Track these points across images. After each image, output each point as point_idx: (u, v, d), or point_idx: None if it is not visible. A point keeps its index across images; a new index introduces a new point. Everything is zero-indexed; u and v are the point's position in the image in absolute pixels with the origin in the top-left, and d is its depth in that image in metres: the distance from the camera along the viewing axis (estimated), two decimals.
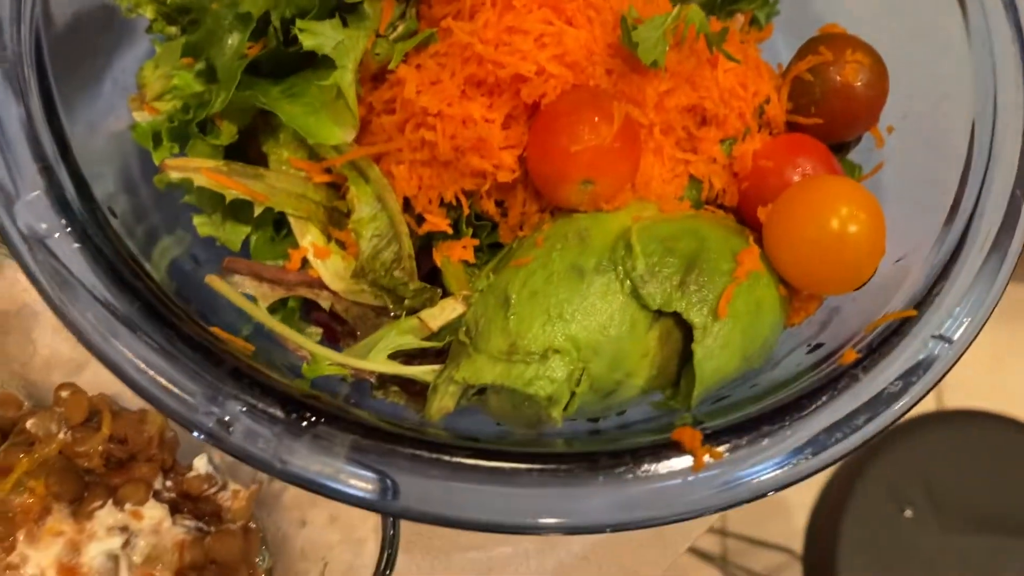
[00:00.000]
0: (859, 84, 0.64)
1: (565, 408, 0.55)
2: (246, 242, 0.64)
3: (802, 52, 0.66)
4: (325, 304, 0.62)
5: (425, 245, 0.64)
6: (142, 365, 0.46)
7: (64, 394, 0.60)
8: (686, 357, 0.57)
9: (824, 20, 0.74)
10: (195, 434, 0.44)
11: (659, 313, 0.56)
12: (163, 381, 0.46)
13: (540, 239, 0.58)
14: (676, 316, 0.56)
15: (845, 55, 0.64)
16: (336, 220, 0.64)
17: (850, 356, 0.53)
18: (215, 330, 0.49)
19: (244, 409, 0.45)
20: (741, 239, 0.59)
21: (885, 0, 0.73)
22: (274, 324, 0.54)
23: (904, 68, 0.67)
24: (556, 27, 0.58)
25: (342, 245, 0.63)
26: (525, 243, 0.59)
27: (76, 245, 0.47)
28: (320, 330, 0.65)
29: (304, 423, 0.46)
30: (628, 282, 0.55)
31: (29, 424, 0.58)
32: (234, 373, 0.46)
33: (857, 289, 0.59)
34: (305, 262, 0.62)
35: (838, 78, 0.64)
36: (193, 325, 0.49)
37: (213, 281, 0.52)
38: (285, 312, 0.62)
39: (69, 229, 0.48)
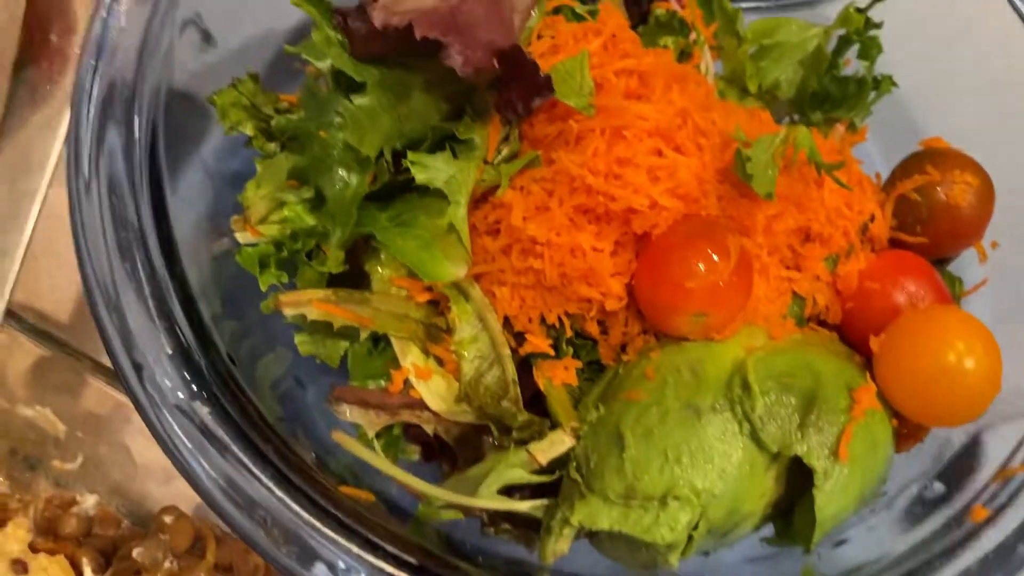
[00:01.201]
0: (966, 205, 0.63)
1: (683, 552, 0.54)
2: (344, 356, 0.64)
3: (907, 168, 0.65)
4: (428, 428, 0.62)
5: (523, 363, 0.64)
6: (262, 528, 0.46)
7: (168, 519, 0.60)
8: (801, 492, 0.57)
9: (915, 121, 0.73)
10: None
11: (777, 454, 0.55)
12: (278, 534, 0.46)
13: (651, 370, 0.57)
14: (794, 458, 0.55)
15: (953, 175, 0.63)
16: (435, 336, 0.64)
17: (980, 514, 0.52)
18: (345, 490, 0.49)
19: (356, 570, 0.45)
20: (854, 371, 0.58)
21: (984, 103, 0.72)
22: (393, 471, 0.54)
23: (1006, 178, 0.66)
24: (668, 159, 0.58)
25: (440, 362, 0.63)
26: (634, 372, 0.59)
27: (207, 409, 0.47)
28: (418, 448, 0.65)
29: None
30: (747, 423, 0.55)
31: (135, 553, 0.58)
32: (346, 530, 0.46)
33: (970, 423, 0.58)
34: (407, 383, 0.62)
35: (945, 198, 0.63)
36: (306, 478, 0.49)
37: (341, 439, 0.52)
38: (390, 438, 0.62)
39: (195, 388, 0.48)
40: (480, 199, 0.62)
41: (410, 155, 0.57)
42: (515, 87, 0.56)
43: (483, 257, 0.62)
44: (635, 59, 0.62)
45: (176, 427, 0.46)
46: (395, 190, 0.61)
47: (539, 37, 0.64)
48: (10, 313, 0.59)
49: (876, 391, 0.57)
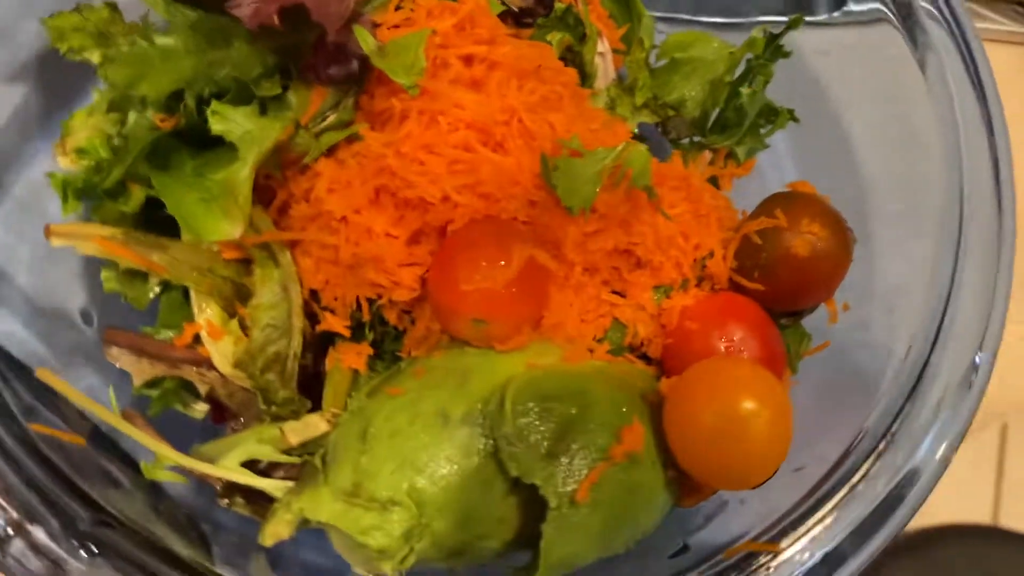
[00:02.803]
0: (808, 257, 0.58)
1: (402, 562, 0.51)
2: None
3: (760, 209, 0.61)
4: (202, 389, 0.60)
5: (328, 342, 0.62)
6: None
7: None
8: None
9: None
10: None
11: (517, 479, 0.52)
12: None
13: (421, 370, 0.55)
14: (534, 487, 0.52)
15: (801, 223, 0.58)
16: (244, 297, 0.62)
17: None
18: (34, 427, 0.47)
19: (19, 523, 0.43)
20: (632, 410, 0.54)
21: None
22: (113, 419, 0.52)
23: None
24: (473, 155, 0.54)
25: (243, 326, 0.61)
26: (408, 370, 0.56)
27: None
28: (206, 407, 0.63)
29: (84, 552, 0.43)
30: (492, 441, 0.51)
31: None
32: (29, 482, 0.45)
33: (752, 488, 0.54)
34: (197, 339, 0.61)
35: (788, 247, 0.58)
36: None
37: (44, 375, 0.50)
38: (163, 390, 0.60)
39: None
40: (305, 165, 0.60)
41: (213, 104, 0.55)
42: (318, 52, 0.53)
43: (298, 224, 0.59)
44: (487, 46, 0.59)
45: None
46: (211, 140, 0.59)
47: (397, 8, 0.61)
48: None
49: (648, 435, 0.53)
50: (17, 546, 0.42)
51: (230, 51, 0.56)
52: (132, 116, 0.54)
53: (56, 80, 0.67)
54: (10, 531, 0.42)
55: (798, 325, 0.64)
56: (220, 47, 0.56)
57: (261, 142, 0.55)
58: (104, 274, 0.62)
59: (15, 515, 0.43)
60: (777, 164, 0.77)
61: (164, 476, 0.53)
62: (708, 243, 0.60)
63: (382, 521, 0.51)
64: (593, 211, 0.56)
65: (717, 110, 0.72)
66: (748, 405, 0.51)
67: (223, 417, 0.63)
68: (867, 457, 0.51)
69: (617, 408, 0.54)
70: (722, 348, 0.58)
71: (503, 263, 0.53)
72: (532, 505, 0.53)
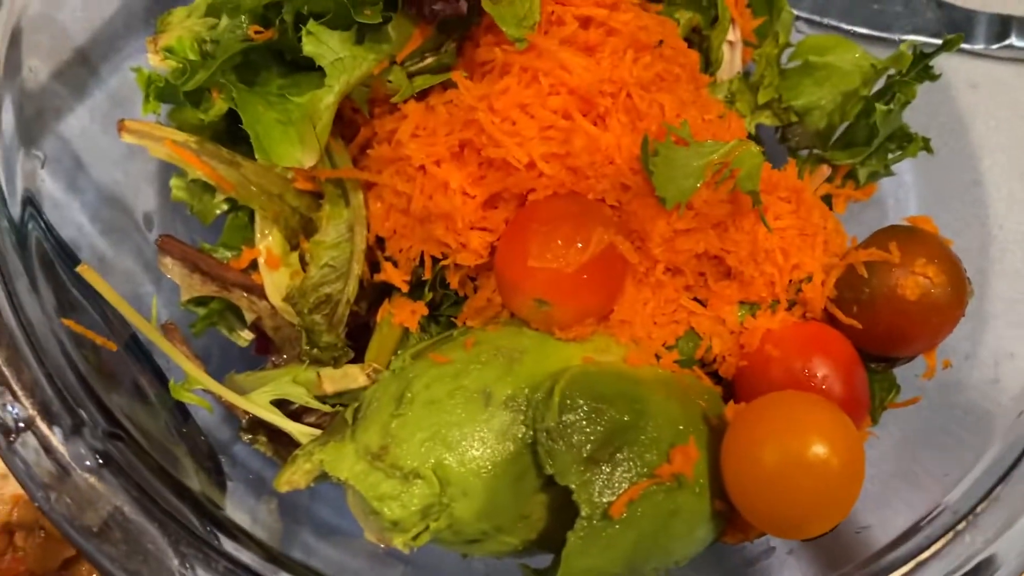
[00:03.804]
0: (917, 301, 0.52)
1: (415, 538, 0.48)
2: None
3: (872, 239, 0.55)
4: (249, 316, 0.58)
5: (384, 293, 0.59)
6: None
7: None
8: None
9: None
10: None
11: (552, 480, 0.48)
12: None
13: (471, 341, 0.51)
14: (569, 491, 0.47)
15: (915, 263, 0.52)
16: (310, 232, 0.59)
17: None
18: (66, 322, 0.46)
19: (30, 417, 0.41)
20: (689, 430, 0.50)
21: None
22: (148, 328, 0.50)
23: None
24: (570, 123, 0.50)
25: (304, 261, 0.59)
26: (458, 339, 0.52)
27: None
28: (251, 336, 0.61)
29: (88, 462, 0.41)
30: (531, 432, 0.48)
31: None
32: (48, 377, 0.43)
33: (803, 540, 0.49)
34: (254, 265, 0.58)
35: (896, 286, 0.52)
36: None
37: (85, 272, 0.48)
38: (209, 310, 0.58)
39: None
40: (393, 105, 0.57)
41: (310, 24, 0.52)
42: None
43: (376, 166, 0.56)
44: (607, 10, 0.55)
45: None
46: (307, 61, 0.56)
47: None
48: None
49: (702, 460, 0.49)
50: (25, 442, 0.40)
51: None
52: (225, 21, 0.51)
53: None
54: (21, 425, 0.40)
55: (889, 373, 0.58)
56: None
57: (351, 71, 0.52)
58: (174, 181, 0.60)
59: (30, 411, 0.41)
60: (899, 195, 0.71)
61: (190, 399, 0.51)
62: (808, 265, 0.55)
63: (401, 491, 0.47)
64: (688, 207, 0.52)
65: (844, 125, 0.66)
66: (818, 449, 0.46)
67: (267, 349, 0.61)
68: (943, 534, 0.45)
69: (673, 424, 0.50)
70: (802, 382, 0.53)
71: (579, 244, 0.49)
72: (561, 508, 0.49)
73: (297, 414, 0.55)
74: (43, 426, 0.41)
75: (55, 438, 0.41)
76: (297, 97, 0.52)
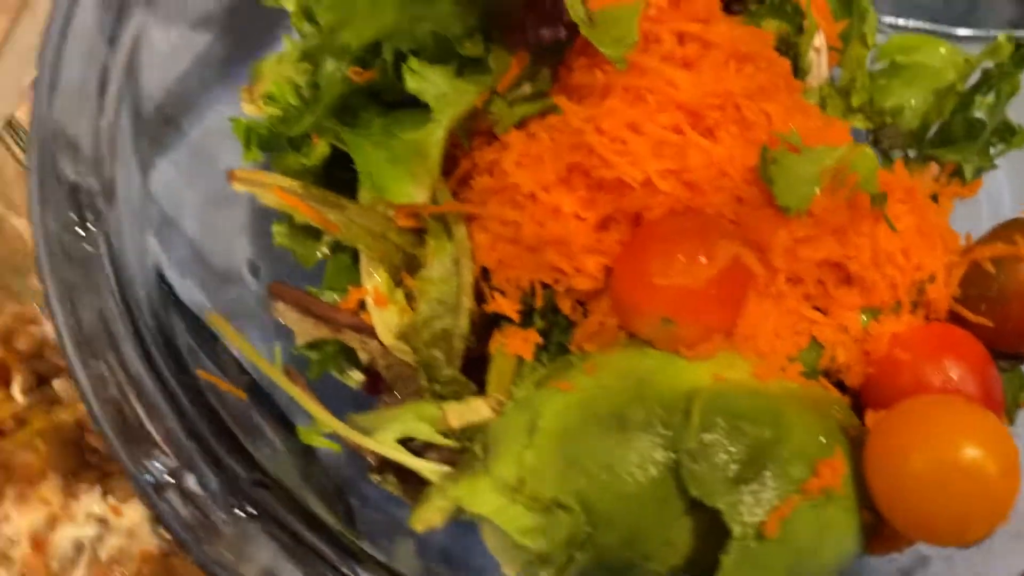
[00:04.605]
0: None
1: (561, 571, 0.47)
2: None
3: (995, 234, 0.54)
4: (364, 357, 0.58)
5: (492, 324, 0.58)
6: (111, 391, 0.43)
7: None
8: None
9: None
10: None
11: (697, 503, 0.46)
12: (124, 408, 0.43)
13: (595, 367, 0.50)
14: (717, 513, 0.46)
15: None
16: (413, 268, 0.59)
17: None
18: (201, 374, 0.46)
19: (183, 473, 0.41)
20: (831, 442, 0.48)
21: None
22: (278, 376, 0.50)
23: None
24: (682, 138, 0.50)
25: (410, 297, 0.58)
26: (580, 365, 0.52)
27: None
28: (361, 376, 0.61)
29: (239, 511, 0.41)
30: (672, 455, 0.47)
31: (55, 383, 0.58)
32: (192, 433, 0.42)
33: (964, 546, 0.47)
34: (362, 305, 0.58)
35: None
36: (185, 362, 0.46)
37: (215, 320, 0.48)
38: (323, 354, 0.58)
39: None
40: (491, 135, 0.57)
41: (410, 60, 0.52)
42: (531, 13, 0.49)
43: (479, 198, 0.56)
44: (702, 24, 0.54)
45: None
46: (404, 98, 0.56)
47: None
48: (12, 125, 0.60)
49: (848, 472, 0.47)
50: (176, 495, 0.40)
51: (433, 6, 0.53)
52: (329, 65, 0.51)
53: (239, 26, 0.66)
54: (171, 478, 0.40)
55: (1018, 370, 0.56)
56: (423, 1, 0.53)
57: (456, 105, 0.52)
58: (276, 228, 0.60)
59: (174, 462, 0.41)
60: (990, 189, 0.69)
61: (320, 442, 0.50)
62: (930, 265, 0.54)
63: (545, 523, 0.46)
64: (808, 215, 0.51)
65: (938, 123, 0.65)
66: (971, 452, 0.45)
67: (377, 389, 0.61)
68: None
69: (814, 437, 0.48)
70: (935, 385, 0.51)
71: (704, 260, 0.48)
72: (707, 531, 0.48)
73: (419, 451, 0.54)
74: (192, 478, 0.41)
75: (205, 489, 0.41)
76: (404, 134, 0.52)
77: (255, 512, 0.41)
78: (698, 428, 0.46)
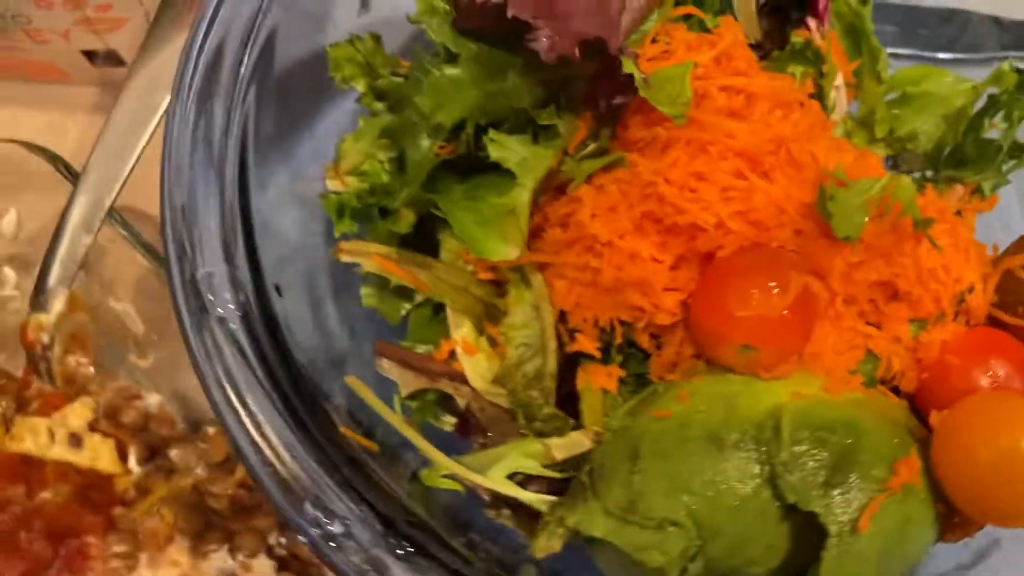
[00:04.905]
0: None
1: None
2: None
3: (1021, 244, 0.60)
4: (461, 401, 0.63)
5: (570, 362, 0.63)
6: (265, 451, 0.48)
7: (211, 431, 0.64)
8: (815, 556, 0.53)
9: None
10: (300, 537, 0.45)
11: (794, 507, 0.52)
12: (279, 469, 0.48)
13: (685, 394, 0.56)
14: (811, 515, 0.52)
15: None
16: (493, 316, 0.64)
17: None
18: (343, 430, 0.50)
19: (347, 522, 0.46)
20: (903, 442, 0.54)
21: None
22: (403, 426, 0.55)
23: None
24: (745, 182, 0.55)
25: (492, 343, 0.64)
26: (668, 393, 0.57)
27: (234, 325, 0.50)
28: (454, 420, 0.65)
29: (400, 550, 0.46)
30: (767, 468, 0.52)
31: (172, 454, 0.62)
32: (345, 483, 0.47)
33: None
34: (452, 355, 0.63)
35: None
36: (322, 419, 0.51)
37: (354, 383, 0.53)
38: (423, 402, 0.63)
39: (233, 307, 0.51)
40: (559, 190, 0.62)
41: (490, 132, 0.58)
42: (602, 83, 0.55)
43: (551, 248, 0.62)
44: (745, 78, 0.60)
45: (215, 339, 0.49)
46: (477, 166, 0.62)
47: (654, 41, 0.63)
48: (113, 211, 0.65)
49: (921, 469, 0.53)
50: (344, 544, 0.44)
51: (505, 83, 0.59)
52: (424, 142, 0.57)
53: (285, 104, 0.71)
54: (338, 529, 0.45)
55: None
56: (497, 79, 0.59)
57: (537, 169, 0.58)
58: (364, 290, 0.65)
59: (342, 511, 0.45)
60: (1001, 205, 0.76)
61: (443, 484, 0.55)
62: (968, 277, 0.60)
63: (659, 540, 0.51)
64: (859, 242, 0.57)
65: (950, 145, 0.72)
66: None
67: (468, 431, 0.66)
68: None
69: (888, 440, 0.54)
70: (982, 383, 0.57)
71: (777, 290, 0.53)
72: (802, 533, 0.53)
73: (522, 484, 0.59)
74: (360, 527, 0.45)
75: (371, 532, 0.45)
76: (491, 198, 0.58)
77: (413, 549, 0.45)
78: (788, 442, 0.52)
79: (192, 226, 0.53)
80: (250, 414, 0.48)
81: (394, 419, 0.55)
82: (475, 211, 0.58)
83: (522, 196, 0.57)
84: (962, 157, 0.70)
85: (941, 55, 0.80)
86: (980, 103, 0.71)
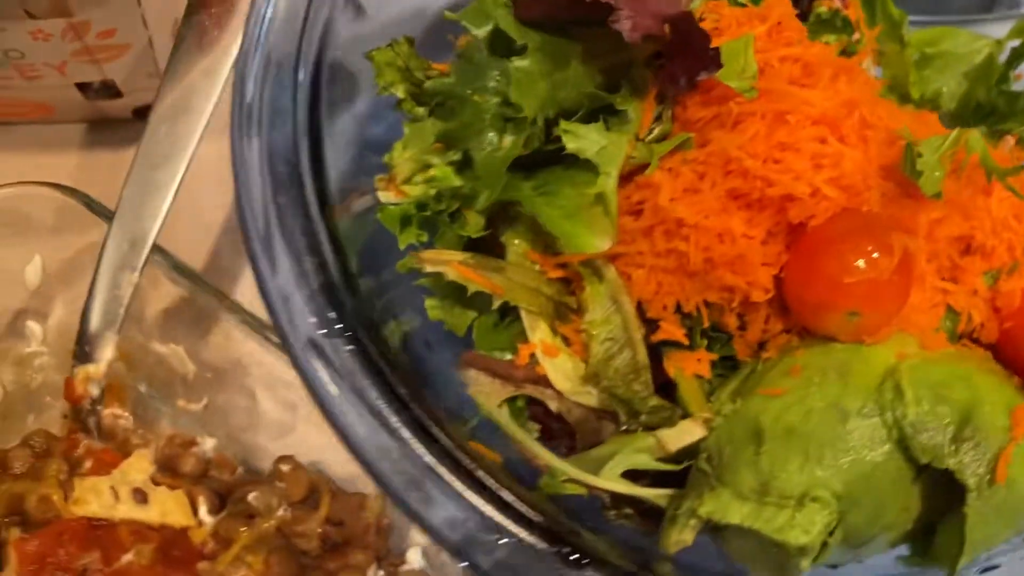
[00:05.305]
0: None
1: (815, 559, 0.51)
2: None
3: None
4: (553, 405, 0.60)
5: (649, 352, 0.62)
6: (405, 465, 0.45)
7: (285, 468, 0.60)
8: (946, 510, 0.53)
9: None
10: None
11: (924, 467, 0.51)
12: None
13: (796, 368, 0.55)
14: (943, 472, 0.51)
15: None
16: (563, 315, 0.62)
17: None
18: (474, 445, 0.48)
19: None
20: (1012, 391, 0.55)
21: None
22: (524, 437, 0.53)
23: None
24: (832, 148, 0.55)
25: (566, 341, 0.62)
26: (776, 369, 0.56)
27: (348, 347, 0.47)
28: (538, 427, 0.63)
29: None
30: (896, 431, 0.51)
31: (251, 497, 0.58)
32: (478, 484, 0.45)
33: None
34: (532, 359, 0.61)
35: None
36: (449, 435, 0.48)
37: (476, 395, 0.51)
38: (514, 409, 0.61)
39: (341, 327, 0.48)
40: (624, 178, 0.61)
41: (563, 123, 0.56)
42: (681, 59, 0.54)
43: (622, 238, 0.60)
44: (801, 47, 0.60)
45: (316, 362, 0.46)
46: (540, 160, 0.60)
47: (701, 19, 0.62)
48: (154, 248, 0.60)
49: None
50: (506, 555, 0.42)
51: (567, 71, 0.57)
52: (495, 140, 0.55)
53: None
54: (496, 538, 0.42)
55: None
56: (561, 68, 0.57)
57: (616, 156, 0.56)
58: (429, 302, 0.63)
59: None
60: None
61: (564, 489, 0.53)
62: None
63: (800, 518, 0.50)
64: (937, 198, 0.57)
65: (979, 100, 0.73)
66: None
67: (551, 437, 0.64)
68: None
69: (1000, 389, 0.54)
70: None
71: (878, 254, 0.53)
72: (931, 492, 0.53)
73: (633, 479, 0.57)
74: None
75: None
76: (573, 189, 0.56)
77: (584, 559, 0.43)
78: (912, 402, 0.51)
79: (273, 245, 0.49)
80: (379, 434, 0.45)
81: (519, 433, 0.52)
82: (556, 206, 0.57)
83: (609, 183, 0.55)
84: (990, 110, 0.72)
85: (945, 17, 0.81)
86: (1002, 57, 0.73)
